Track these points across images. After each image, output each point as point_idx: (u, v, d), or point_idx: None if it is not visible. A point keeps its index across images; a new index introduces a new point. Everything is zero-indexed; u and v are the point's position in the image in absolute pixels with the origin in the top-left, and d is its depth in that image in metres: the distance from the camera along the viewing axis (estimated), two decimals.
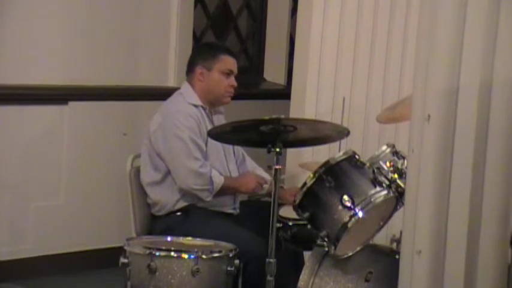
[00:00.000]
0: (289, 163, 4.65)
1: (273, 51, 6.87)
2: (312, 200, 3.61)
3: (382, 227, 3.78)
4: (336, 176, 3.60)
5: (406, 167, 3.50)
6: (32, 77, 5.23)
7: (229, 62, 4.38)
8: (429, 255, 3.02)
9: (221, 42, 6.41)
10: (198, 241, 3.88)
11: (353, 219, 3.52)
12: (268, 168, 3.72)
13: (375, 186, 3.61)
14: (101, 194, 5.51)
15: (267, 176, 4.37)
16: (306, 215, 3.65)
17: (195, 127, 4.22)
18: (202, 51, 4.45)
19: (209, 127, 4.22)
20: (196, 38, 6.30)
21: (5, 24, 5.13)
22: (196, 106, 4.30)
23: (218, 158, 4.31)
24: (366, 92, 4.62)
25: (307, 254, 3.97)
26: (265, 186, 4.37)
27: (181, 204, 4.23)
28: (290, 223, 4.05)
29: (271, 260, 3.56)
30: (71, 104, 5.41)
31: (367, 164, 3.67)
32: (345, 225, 3.52)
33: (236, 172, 4.40)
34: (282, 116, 3.59)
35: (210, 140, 4.14)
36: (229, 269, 3.72)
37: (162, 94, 4.62)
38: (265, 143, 3.62)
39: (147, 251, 3.68)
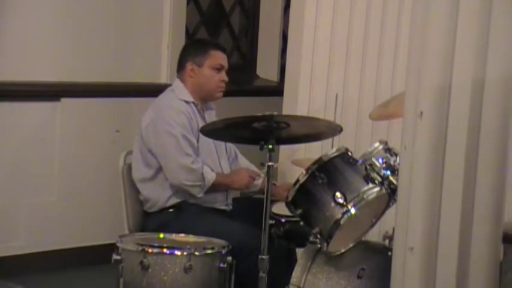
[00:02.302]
0: (282, 160, 4.65)
1: (266, 48, 6.87)
2: (304, 196, 3.62)
3: (374, 223, 3.78)
4: (328, 172, 3.60)
5: (398, 164, 3.50)
6: (24, 74, 5.22)
7: (219, 57, 4.38)
8: (421, 251, 3.02)
9: (214, 39, 6.41)
10: (191, 238, 3.88)
11: (345, 216, 3.53)
12: (260, 165, 3.71)
13: (368, 183, 3.61)
14: (93, 191, 5.50)
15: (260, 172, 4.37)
16: (299, 211, 3.65)
17: (186, 123, 4.22)
18: (192, 48, 4.45)
19: (201, 123, 4.22)
20: (189, 35, 6.30)
21: None
22: (187, 102, 4.30)
23: (210, 154, 4.31)
24: (359, 88, 4.63)
25: (299, 251, 3.97)
26: (258, 181, 4.37)
27: (174, 200, 4.22)
28: (283, 220, 4.05)
29: (263, 257, 3.56)
30: (63, 100, 5.40)
31: (360, 161, 3.67)
32: (337, 222, 3.53)
33: (228, 169, 4.40)
34: (275, 113, 3.60)
35: (201, 137, 4.14)
36: (221, 265, 3.73)
37: (154, 91, 4.62)
38: (258, 140, 3.62)
39: (140, 248, 3.68)
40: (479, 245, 2.99)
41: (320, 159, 3.64)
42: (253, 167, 4.48)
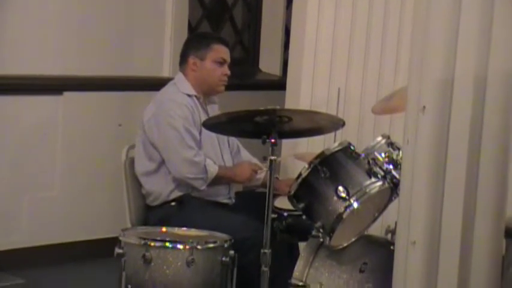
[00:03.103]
0: (285, 154, 4.65)
1: (269, 42, 6.87)
2: (307, 191, 3.62)
3: (377, 218, 3.78)
4: (331, 166, 3.60)
5: (401, 158, 3.50)
6: (26, 67, 5.22)
7: (221, 51, 4.38)
8: (424, 246, 3.02)
9: (216, 32, 6.40)
10: (193, 232, 3.88)
11: (348, 210, 3.53)
12: (263, 159, 3.72)
13: (370, 177, 3.61)
14: (96, 185, 5.50)
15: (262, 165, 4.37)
16: (301, 205, 3.65)
17: (188, 116, 4.22)
18: (194, 41, 4.45)
19: (203, 117, 4.22)
20: (192, 29, 6.29)
21: None
22: (189, 96, 4.30)
23: (212, 148, 4.31)
24: (361, 83, 4.62)
25: (302, 245, 3.97)
26: (260, 175, 4.38)
27: (176, 194, 4.23)
28: (285, 214, 4.05)
29: (266, 251, 3.56)
30: (66, 94, 5.40)
31: (362, 155, 3.67)
32: (340, 216, 3.53)
33: (230, 162, 4.41)
34: (278, 107, 3.59)
35: (204, 130, 4.13)
36: (224, 259, 3.73)
37: (157, 84, 4.62)
38: (261, 134, 3.62)
39: (142, 242, 3.68)
40: (481, 239, 3.00)
41: (322, 153, 3.63)
42: (255, 161, 4.48)
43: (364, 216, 3.71)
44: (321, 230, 3.59)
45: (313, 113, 4.03)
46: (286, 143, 4.67)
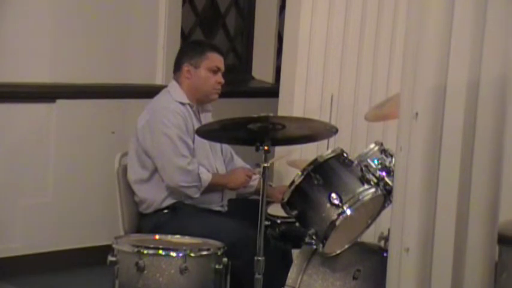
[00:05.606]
0: (278, 155, 4.64)
1: (262, 49, 6.87)
2: (300, 198, 3.62)
3: (370, 224, 3.78)
4: (324, 173, 3.60)
5: (394, 165, 3.51)
6: (19, 75, 5.22)
7: (216, 59, 4.38)
8: (417, 252, 3.02)
9: (209, 40, 6.41)
10: (187, 239, 3.88)
11: (341, 217, 3.53)
12: (256, 166, 3.72)
13: (363, 184, 3.61)
14: (89, 192, 5.50)
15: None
16: (294, 212, 3.65)
17: (182, 125, 4.22)
18: (189, 49, 4.45)
19: (196, 125, 4.22)
20: (185, 36, 6.30)
21: None
22: (183, 104, 4.30)
23: (205, 156, 4.31)
24: (354, 90, 4.63)
25: (295, 252, 3.97)
26: (253, 182, 4.38)
27: (169, 201, 4.23)
28: (278, 221, 4.06)
29: (259, 258, 3.56)
30: (59, 102, 5.39)
31: (355, 162, 3.67)
32: (333, 223, 3.53)
33: (223, 170, 4.40)
34: (271, 114, 3.60)
35: (197, 138, 4.14)
36: (217, 267, 3.72)
37: (150, 92, 4.62)
38: (254, 141, 3.62)
39: (136, 249, 3.68)
40: (475, 245, 3.00)
41: (315, 160, 3.64)
42: (248, 168, 4.48)
43: (357, 223, 3.71)
44: (314, 237, 3.59)
45: (306, 120, 4.03)
46: (280, 150, 4.66)
